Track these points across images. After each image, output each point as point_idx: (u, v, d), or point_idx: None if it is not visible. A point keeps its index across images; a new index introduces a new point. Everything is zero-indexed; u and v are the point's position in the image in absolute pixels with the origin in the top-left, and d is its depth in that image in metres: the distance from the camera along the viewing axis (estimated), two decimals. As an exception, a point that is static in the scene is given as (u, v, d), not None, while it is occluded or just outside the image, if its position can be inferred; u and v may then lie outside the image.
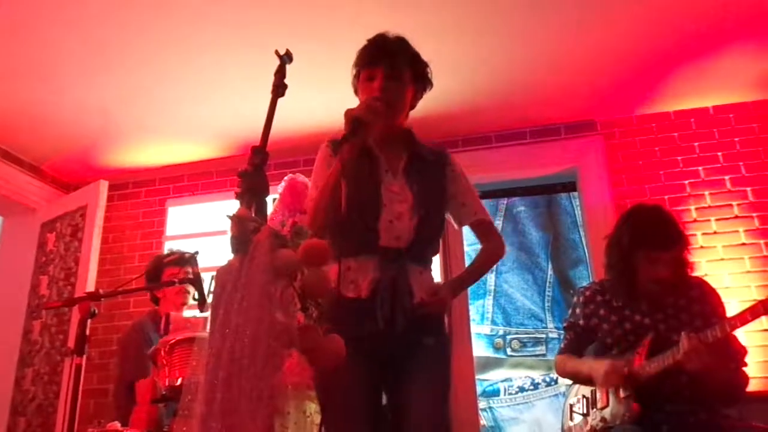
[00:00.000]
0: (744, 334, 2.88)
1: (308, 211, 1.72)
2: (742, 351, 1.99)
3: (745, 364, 2.01)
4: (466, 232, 4.06)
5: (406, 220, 1.69)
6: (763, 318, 2.82)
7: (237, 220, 1.22)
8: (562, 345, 2.31)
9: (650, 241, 2.02)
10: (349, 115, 1.56)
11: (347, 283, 1.66)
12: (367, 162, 1.71)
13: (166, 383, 2.08)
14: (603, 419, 2.05)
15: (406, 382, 1.64)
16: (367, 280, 1.65)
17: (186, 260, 2.72)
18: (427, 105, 3.28)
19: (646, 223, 2.08)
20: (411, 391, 1.63)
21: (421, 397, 1.61)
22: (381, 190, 1.70)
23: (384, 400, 1.73)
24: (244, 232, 1.20)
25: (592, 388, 2.16)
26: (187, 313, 2.85)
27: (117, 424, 2.20)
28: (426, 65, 1.82)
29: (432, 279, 1.78)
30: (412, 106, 1.84)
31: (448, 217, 1.88)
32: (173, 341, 2.09)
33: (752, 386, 2.85)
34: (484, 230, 1.88)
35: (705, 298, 2.06)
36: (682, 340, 1.85)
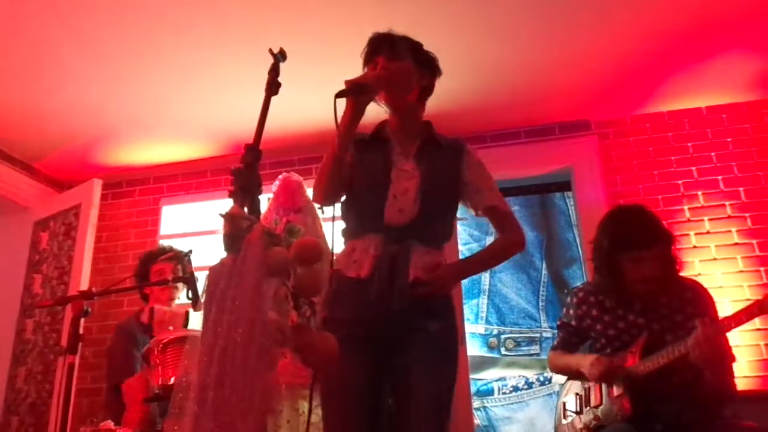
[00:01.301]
0: (737, 334, 2.90)
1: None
2: (732, 358, 1.98)
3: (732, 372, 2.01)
4: (461, 232, 4.06)
5: (412, 195, 1.70)
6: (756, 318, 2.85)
7: (230, 218, 1.22)
8: (555, 342, 2.33)
9: (629, 242, 2.03)
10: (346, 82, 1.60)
11: (350, 263, 1.67)
12: (381, 145, 1.75)
13: (159, 382, 2.08)
14: (596, 417, 2.05)
15: (405, 371, 1.61)
16: (369, 259, 1.65)
17: (172, 256, 2.73)
18: (421, 104, 3.25)
19: (623, 224, 2.09)
20: (410, 382, 1.60)
21: (420, 389, 1.58)
22: (391, 168, 1.72)
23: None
24: (236, 230, 1.20)
25: (586, 386, 2.17)
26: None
27: (110, 423, 2.19)
28: (429, 53, 1.84)
29: (439, 258, 1.74)
30: (429, 92, 1.86)
31: (465, 205, 1.85)
32: (166, 340, 2.08)
33: (744, 385, 2.88)
34: (499, 218, 1.84)
35: (699, 300, 2.07)
36: (697, 328, 1.83)
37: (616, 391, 2.00)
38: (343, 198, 1.77)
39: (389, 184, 1.70)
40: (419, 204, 1.69)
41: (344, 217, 1.79)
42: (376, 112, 1.80)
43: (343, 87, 1.58)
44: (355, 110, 1.60)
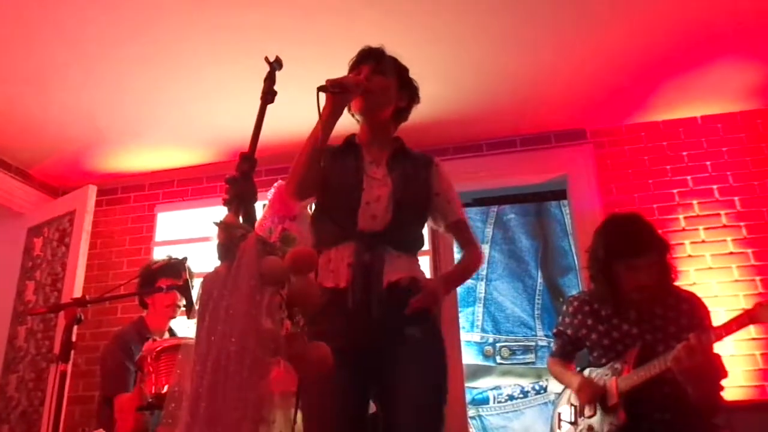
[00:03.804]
0: (732, 343, 2.91)
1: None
2: (723, 373, 1.97)
3: (722, 388, 2.00)
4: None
5: (384, 201, 1.72)
6: (751, 327, 2.85)
7: (224, 226, 1.21)
8: (553, 348, 2.35)
9: (623, 249, 2.04)
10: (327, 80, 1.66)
11: (327, 272, 1.66)
12: (352, 154, 1.78)
13: (153, 390, 2.06)
14: (590, 428, 2.05)
15: (392, 384, 1.61)
16: (345, 268, 1.65)
17: (181, 270, 2.67)
18: (417, 112, 3.27)
19: (618, 232, 2.10)
20: (398, 395, 1.59)
21: (408, 393, 1.58)
22: (362, 176, 1.75)
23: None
24: (231, 239, 1.19)
25: (581, 396, 2.17)
26: (176, 325, 2.82)
27: (102, 432, 2.18)
28: (412, 79, 1.89)
29: (414, 264, 1.76)
30: (404, 116, 1.90)
31: (433, 217, 1.88)
32: (160, 348, 2.07)
33: (740, 395, 2.87)
34: (465, 233, 1.88)
35: (694, 312, 2.06)
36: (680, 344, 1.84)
37: (610, 401, 2.00)
38: (314, 207, 1.78)
39: (361, 191, 1.72)
40: (392, 211, 1.72)
41: (317, 227, 1.78)
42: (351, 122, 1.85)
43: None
44: (334, 107, 1.65)
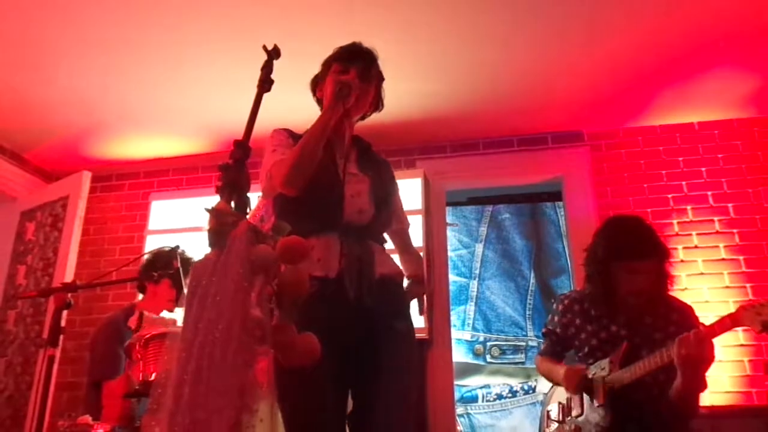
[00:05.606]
0: (720, 349, 2.90)
1: (283, 169, 1.67)
2: (703, 386, 1.97)
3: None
4: (450, 237, 4.06)
5: (365, 196, 1.75)
6: (740, 333, 2.86)
7: (215, 213, 1.21)
8: (541, 348, 2.34)
9: (624, 252, 2.02)
10: (336, 80, 1.73)
11: (314, 261, 1.65)
12: (325, 148, 1.75)
13: (140, 378, 2.06)
14: (577, 427, 2.05)
15: (376, 370, 1.63)
16: (335, 258, 1.65)
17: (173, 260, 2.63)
18: (415, 107, 3.27)
19: (621, 234, 2.08)
20: (382, 380, 1.61)
21: (395, 387, 1.61)
22: (338, 169, 1.77)
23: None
24: (222, 226, 1.18)
25: (568, 396, 2.17)
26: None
27: (88, 418, 2.17)
28: (382, 90, 1.94)
29: (393, 259, 1.83)
30: (362, 117, 1.92)
31: None
32: (148, 336, 2.06)
33: (727, 401, 2.89)
34: (409, 238, 2.00)
35: (684, 322, 2.03)
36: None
37: (596, 401, 2.00)
38: (281, 195, 1.73)
39: (343, 184, 1.74)
40: (374, 207, 1.76)
41: (288, 215, 1.68)
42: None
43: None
44: (340, 104, 1.70)
